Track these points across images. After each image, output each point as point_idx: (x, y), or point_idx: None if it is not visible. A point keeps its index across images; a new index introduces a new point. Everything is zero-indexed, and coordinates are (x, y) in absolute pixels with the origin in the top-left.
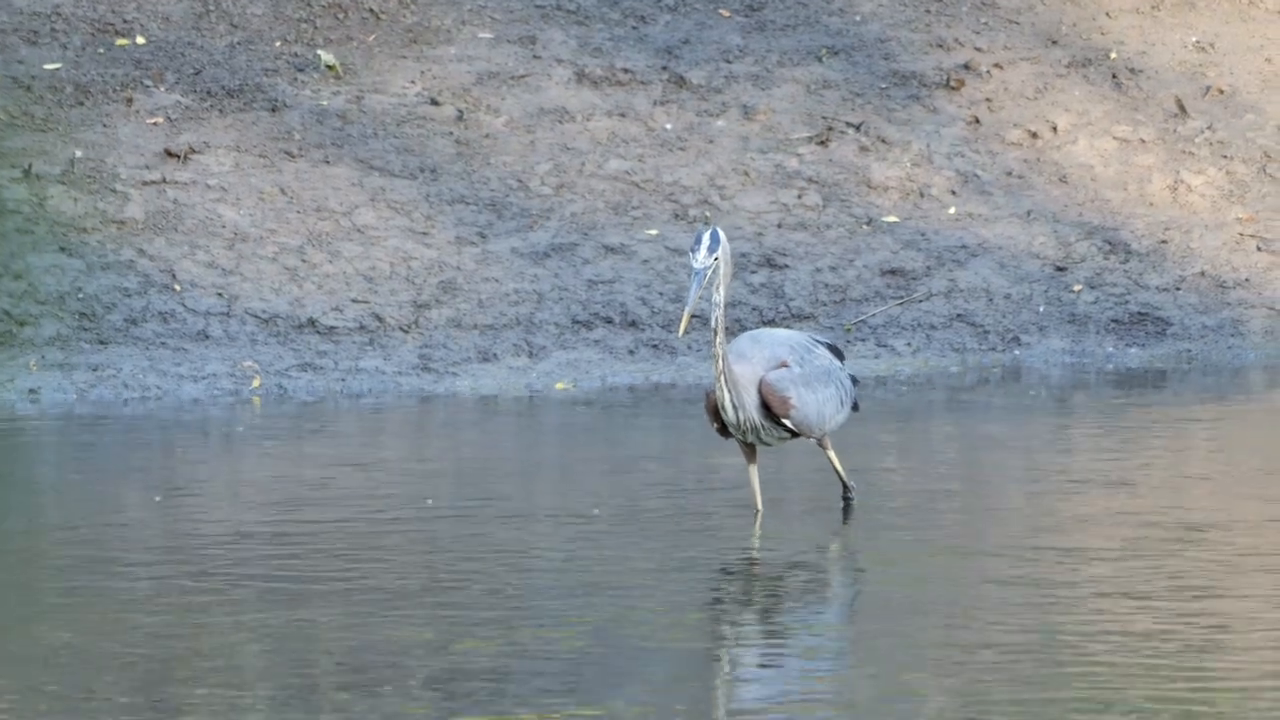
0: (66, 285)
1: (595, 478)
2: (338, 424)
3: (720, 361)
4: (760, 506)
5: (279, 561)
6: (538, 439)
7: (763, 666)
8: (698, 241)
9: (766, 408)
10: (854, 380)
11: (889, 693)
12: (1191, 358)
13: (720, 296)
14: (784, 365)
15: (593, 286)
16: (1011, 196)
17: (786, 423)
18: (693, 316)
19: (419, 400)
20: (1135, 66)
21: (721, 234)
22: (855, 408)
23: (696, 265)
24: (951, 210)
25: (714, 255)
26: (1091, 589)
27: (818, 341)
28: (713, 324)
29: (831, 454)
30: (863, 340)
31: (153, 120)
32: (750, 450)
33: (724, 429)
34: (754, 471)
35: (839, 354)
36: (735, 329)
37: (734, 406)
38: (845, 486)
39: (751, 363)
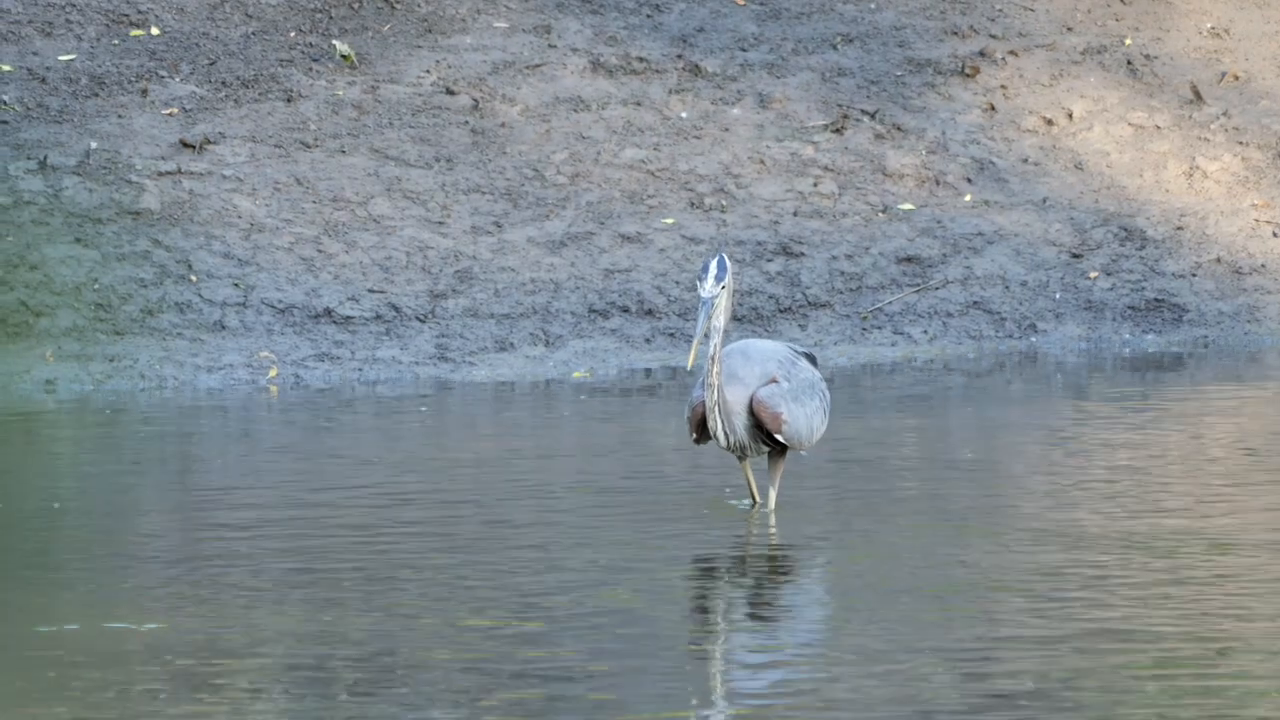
0: (82, 276)
1: (609, 464)
2: (355, 413)
3: (715, 392)
4: (758, 498)
5: (296, 554)
6: (554, 427)
7: (752, 655)
8: (705, 270)
9: (758, 424)
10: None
11: (885, 676)
12: (1208, 344)
13: (720, 323)
14: (774, 381)
15: (609, 275)
16: (1027, 184)
17: (779, 437)
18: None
19: (436, 389)
20: (1150, 53)
21: (728, 261)
22: None
23: (704, 294)
24: (967, 198)
25: (721, 284)
26: (1100, 582)
27: (797, 352)
28: (710, 351)
29: (782, 468)
30: (879, 328)
31: (168, 111)
32: (740, 457)
33: (701, 439)
34: (747, 466)
35: (814, 361)
36: (751, 317)
37: (726, 434)
38: (765, 499)
39: (744, 383)
